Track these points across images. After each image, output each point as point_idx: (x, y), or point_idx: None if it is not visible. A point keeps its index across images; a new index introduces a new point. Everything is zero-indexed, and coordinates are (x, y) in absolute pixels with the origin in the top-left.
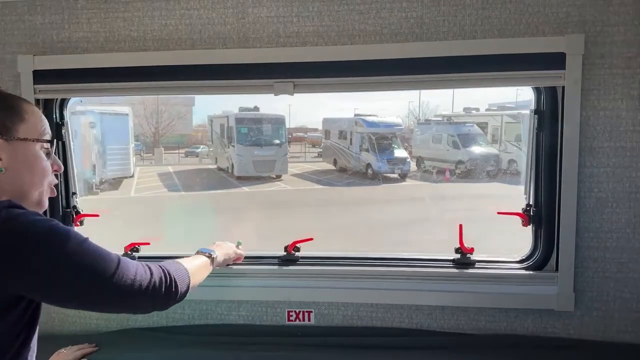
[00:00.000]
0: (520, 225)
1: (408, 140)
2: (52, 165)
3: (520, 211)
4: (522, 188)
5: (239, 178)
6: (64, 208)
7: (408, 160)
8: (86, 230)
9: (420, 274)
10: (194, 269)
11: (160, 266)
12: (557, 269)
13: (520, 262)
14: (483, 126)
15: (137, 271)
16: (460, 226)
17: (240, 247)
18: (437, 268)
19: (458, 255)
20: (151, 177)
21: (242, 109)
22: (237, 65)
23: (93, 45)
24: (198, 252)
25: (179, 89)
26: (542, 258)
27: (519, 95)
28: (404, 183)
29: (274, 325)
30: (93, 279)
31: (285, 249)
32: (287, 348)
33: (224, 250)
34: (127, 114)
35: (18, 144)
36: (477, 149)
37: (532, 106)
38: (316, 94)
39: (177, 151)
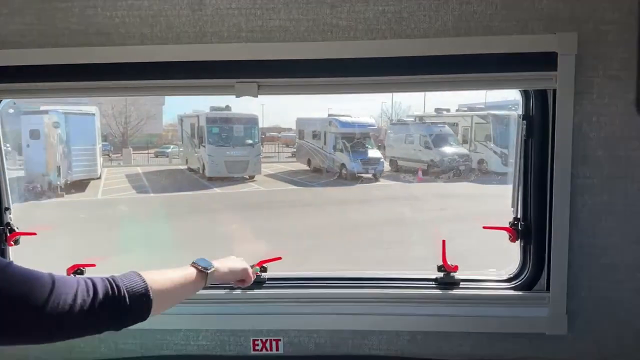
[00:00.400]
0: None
1: (381, 141)
2: None
3: (507, 225)
4: (491, 187)
5: (210, 179)
6: None
7: (382, 160)
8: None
9: (400, 296)
10: (165, 281)
11: (107, 279)
12: (548, 289)
13: (508, 280)
14: (454, 127)
15: (77, 289)
16: (444, 242)
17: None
18: (419, 289)
19: (441, 274)
20: (119, 179)
21: (213, 109)
22: (193, 63)
23: (26, 40)
24: (192, 264)
25: (127, 90)
26: (531, 276)
27: (488, 97)
28: (377, 183)
29: (237, 356)
30: (24, 308)
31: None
32: None
33: (229, 263)
34: (93, 114)
35: None
36: (448, 149)
37: (520, 111)
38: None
39: (146, 151)
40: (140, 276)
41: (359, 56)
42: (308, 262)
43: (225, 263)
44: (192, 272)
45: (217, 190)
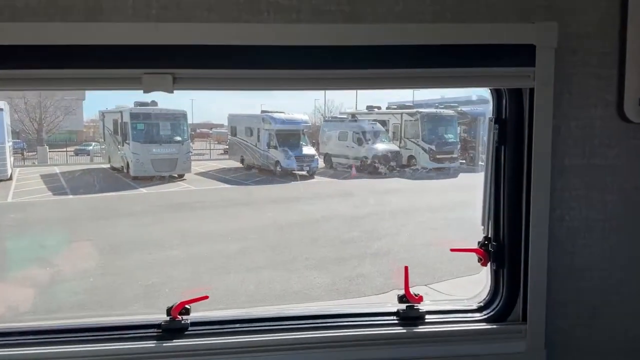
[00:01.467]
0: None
1: (315, 138)
2: None
3: (475, 246)
4: (420, 183)
5: (135, 178)
6: None
7: (316, 157)
8: None
9: (357, 338)
10: None
11: None
12: (524, 319)
13: (479, 310)
14: (384, 124)
15: None
16: (406, 269)
17: None
18: (378, 327)
19: (403, 306)
20: (34, 180)
21: (138, 104)
22: (85, 47)
23: None
24: None
25: None
26: (504, 305)
27: (416, 95)
28: (312, 180)
29: None
30: None
31: (169, 312)
32: None
33: None
34: (1, 109)
35: None
36: (380, 146)
37: (491, 113)
38: None
39: (65, 149)
40: None
41: (302, 43)
42: (242, 264)
43: None
44: None
45: (143, 190)
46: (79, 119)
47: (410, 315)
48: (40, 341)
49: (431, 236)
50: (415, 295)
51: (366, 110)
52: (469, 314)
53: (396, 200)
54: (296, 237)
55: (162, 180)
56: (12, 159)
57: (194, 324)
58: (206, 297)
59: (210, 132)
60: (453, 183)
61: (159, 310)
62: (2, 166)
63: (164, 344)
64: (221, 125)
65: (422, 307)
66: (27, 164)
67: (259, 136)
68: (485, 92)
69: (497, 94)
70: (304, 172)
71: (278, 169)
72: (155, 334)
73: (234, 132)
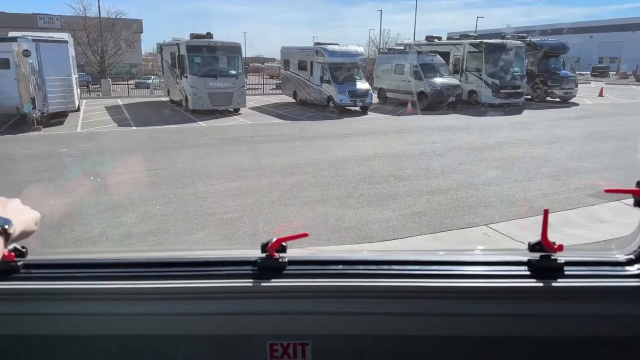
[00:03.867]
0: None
1: (370, 71)
2: None
3: (617, 187)
4: (480, 119)
5: (194, 112)
6: None
7: (370, 92)
8: None
9: (480, 290)
10: None
11: None
12: None
13: (629, 263)
14: (445, 56)
15: None
16: (546, 212)
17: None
18: (506, 279)
19: (537, 256)
20: (99, 111)
21: (193, 36)
22: None
23: None
24: None
25: None
26: None
27: (480, 24)
28: (366, 116)
29: None
30: None
31: (264, 248)
32: None
33: (19, 215)
34: (66, 41)
35: None
36: (438, 80)
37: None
38: (272, 21)
39: (126, 82)
40: None
41: None
42: (297, 198)
43: (17, 215)
44: None
45: (201, 123)
46: (138, 52)
47: (545, 267)
48: (127, 275)
49: (492, 176)
50: (554, 243)
51: (425, 41)
52: (617, 268)
53: (454, 137)
54: (349, 173)
55: (219, 114)
56: (78, 90)
57: (291, 262)
58: (305, 234)
59: (263, 66)
60: (517, 120)
61: (250, 246)
62: (70, 98)
63: (262, 283)
64: (273, 60)
65: (559, 257)
66: (92, 96)
67: (312, 70)
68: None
69: None
70: (357, 108)
71: (331, 104)
72: (251, 271)
73: (286, 65)
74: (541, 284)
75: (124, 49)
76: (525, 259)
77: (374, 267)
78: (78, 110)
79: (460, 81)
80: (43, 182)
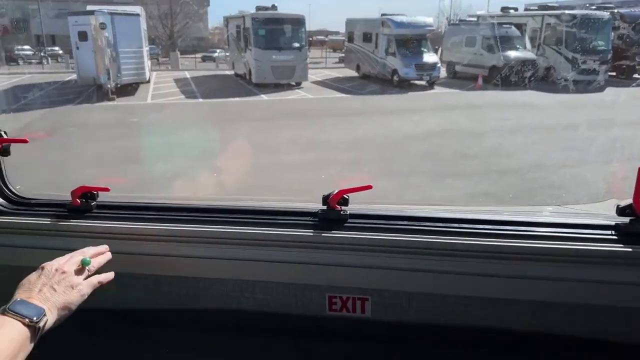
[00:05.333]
0: None
1: (439, 43)
2: None
3: None
4: (557, 97)
5: (257, 85)
6: None
7: (438, 65)
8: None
9: (552, 252)
10: None
11: None
12: None
13: None
14: (520, 28)
15: None
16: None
17: (87, 267)
18: (589, 242)
19: (626, 220)
20: (168, 83)
21: (259, 8)
22: None
23: None
24: (6, 313)
25: None
26: None
27: None
28: (432, 91)
29: (306, 316)
30: None
31: (325, 200)
32: (327, 350)
33: (51, 296)
34: (138, 14)
35: None
36: (513, 53)
37: None
38: None
39: (193, 55)
40: None
41: None
42: (356, 173)
43: (54, 297)
44: (15, 332)
45: (264, 97)
46: (205, 26)
47: (636, 231)
48: (188, 219)
49: (566, 157)
50: None
51: (500, 13)
52: None
53: (527, 115)
54: (412, 149)
55: (282, 87)
56: (149, 63)
57: (353, 215)
58: (369, 187)
59: (326, 39)
60: (599, 98)
61: (312, 199)
62: (141, 70)
63: (323, 234)
64: (337, 33)
65: None
66: (162, 69)
67: (376, 42)
68: None
69: None
70: (424, 82)
71: (395, 78)
72: (311, 222)
73: (350, 38)
74: (629, 249)
75: (192, 23)
76: (612, 222)
77: (440, 224)
78: (149, 82)
79: (536, 55)
80: (121, 147)
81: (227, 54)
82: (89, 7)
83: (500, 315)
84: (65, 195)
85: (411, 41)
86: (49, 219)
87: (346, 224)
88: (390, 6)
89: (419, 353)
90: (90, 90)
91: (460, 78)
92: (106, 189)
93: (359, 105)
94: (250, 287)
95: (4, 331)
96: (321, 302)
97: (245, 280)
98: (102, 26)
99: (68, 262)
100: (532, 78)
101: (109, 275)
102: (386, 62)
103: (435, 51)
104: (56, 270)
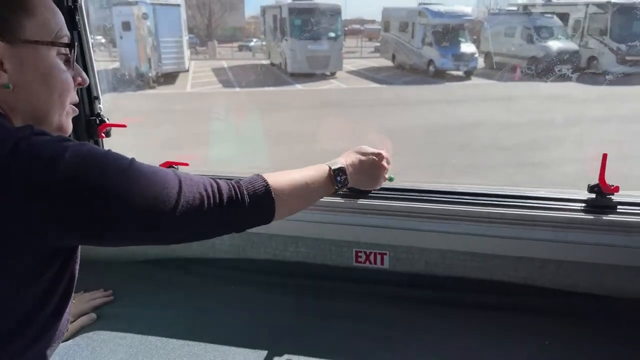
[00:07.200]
0: None
1: (477, 33)
2: (74, 78)
3: None
4: (601, 89)
5: (292, 75)
6: (87, 116)
7: (475, 55)
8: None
9: (534, 219)
10: (290, 184)
11: (230, 183)
12: None
13: None
14: (563, 18)
15: (204, 193)
16: (604, 157)
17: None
18: (561, 211)
19: (594, 195)
20: (206, 72)
21: None
22: None
23: None
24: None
25: None
26: None
27: None
28: (468, 82)
29: (338, 267)
30: (153, 211)
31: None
32: (354, 292)
33: (350, 157)
34: (178, 5)
35: (26, 48)
36: (554, 44)
37: None
38: None
39: (230, 45)
40: (264, 180)
41: None
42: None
43: (358, 165)
44: (320, 173)
45: (298, 86)
46: (241, 15)
47: (599, 204)
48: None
49: (603, 151)
50: (611, 185)
51: (542, 1)
52: None
53: (567, 107)
54: (445, 140)
55: (316, 77)
56: (188, 52)
57: (379, 189)
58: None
59: (362, 28)
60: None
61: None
62: (181, 59)
63: (351, 200)
64: (373, 22)
65: (615, 197)
66: (200, 58)
67: (413, 32)
68: None
69: None
70: (460, 73)
71: (431, 68)
72: (345, 191)
73: (387, 27)
74: (592, 217)
75: (229, 12)
76: (584, 197)
77: (443, 196)
78: (187, 71)
79: (579, 46)
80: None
81: (264, 43)
82: None
83: (490, 268)
84: None
85: (448, 31)
86: None
87: (370, 195)
88: None
89: (427, 297)
90: (133, 79)
91: (498, 69)
92: (186, 164)
93: (393, 95)
94: (295, 242)
95: (319, 173)
96: (349, 255)
97: (291, 236)
98: (145, 16)
99: (385, 159)
100: (573, 69)
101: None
102: (422, 52)
103: (474, 41)
104: (376, 157)
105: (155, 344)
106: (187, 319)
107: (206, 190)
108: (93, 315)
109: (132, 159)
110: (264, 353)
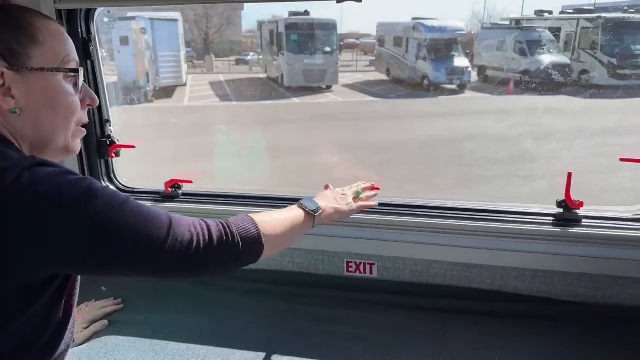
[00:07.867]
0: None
1: (470, 47)
2: (83, 99)
3: None
4: (592, 102)
5: (288, 88)
6: (98, 138)
7: (469, 69)
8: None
9: (510, 232)
10: (276, 226)
11: (220, 223)
12: None
13: (636, 220)
14: (556, 32)
15: (193, 233)
16: (569, 175)
17: (360, 196)
18: (532, 225)
19: (561, 210)
20: (203, 86)
21: (292, 14)
22: None
23: None
24: (299, 205)
25: None
26: None
27: None
28: (462, 95)
29: (331, 276)
30: (143, 247)
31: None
32: (345, 300)
33: (333, 204)
34: (176, 20)
35: (33, 75)
36: (546, 58)
37: None
38: None
39: (227, 59)
40: (253, 221)
41: None
42: (382, 175)
43: (329, 203)
44: (299, 215)
45: (295, 100)
46: (239, 30)
47: (566, 218)
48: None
49: (596, 163)
50: (576, 201)
51: (534, 16)
52: (626, 223)
53: (559, 121)
54: (439, 153)
55: (312, 91)
56: (185, 66)
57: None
58: (377, 189)
59: (357, 42)
60: (636, 104)
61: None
62: (179, 73)
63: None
64: (368, 36)
65: (581, 212)
66: (197, 72)
67: (407, 47)
68: None
69: None
70: (454, 86)
71: (425, 82)
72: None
73: (382, 42)
74: (559, 230)
75: (226, 27)
76: (552, 212)
77: (427, 210)
78: (185, 85)
79: (571, 60)
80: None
81: (260, 57)
82: (130, 13)
83: (472, 277)
84: (159, 186)
85: (442, 45)
86: (149, 203)
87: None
88: (423, 10)
89: (414, 304)
90: (131, 92)
91: (491, 82)
92: (190, 181)
93: (388, 109)
94: (291, 253)
95: (297, 214)
96: (341, 265)
97: (288, 248)
98: (143, 31)
99: (350, 189)
100: (566, 83)
101: (373, 204)
102: (416, 67)
103: (467, 55)
104: (340, 191)
105: (162, 347)
106: (191, 324)
107: (195, 229)
108: (105, 322)
109: (127, 197)
110: (262, 355)
